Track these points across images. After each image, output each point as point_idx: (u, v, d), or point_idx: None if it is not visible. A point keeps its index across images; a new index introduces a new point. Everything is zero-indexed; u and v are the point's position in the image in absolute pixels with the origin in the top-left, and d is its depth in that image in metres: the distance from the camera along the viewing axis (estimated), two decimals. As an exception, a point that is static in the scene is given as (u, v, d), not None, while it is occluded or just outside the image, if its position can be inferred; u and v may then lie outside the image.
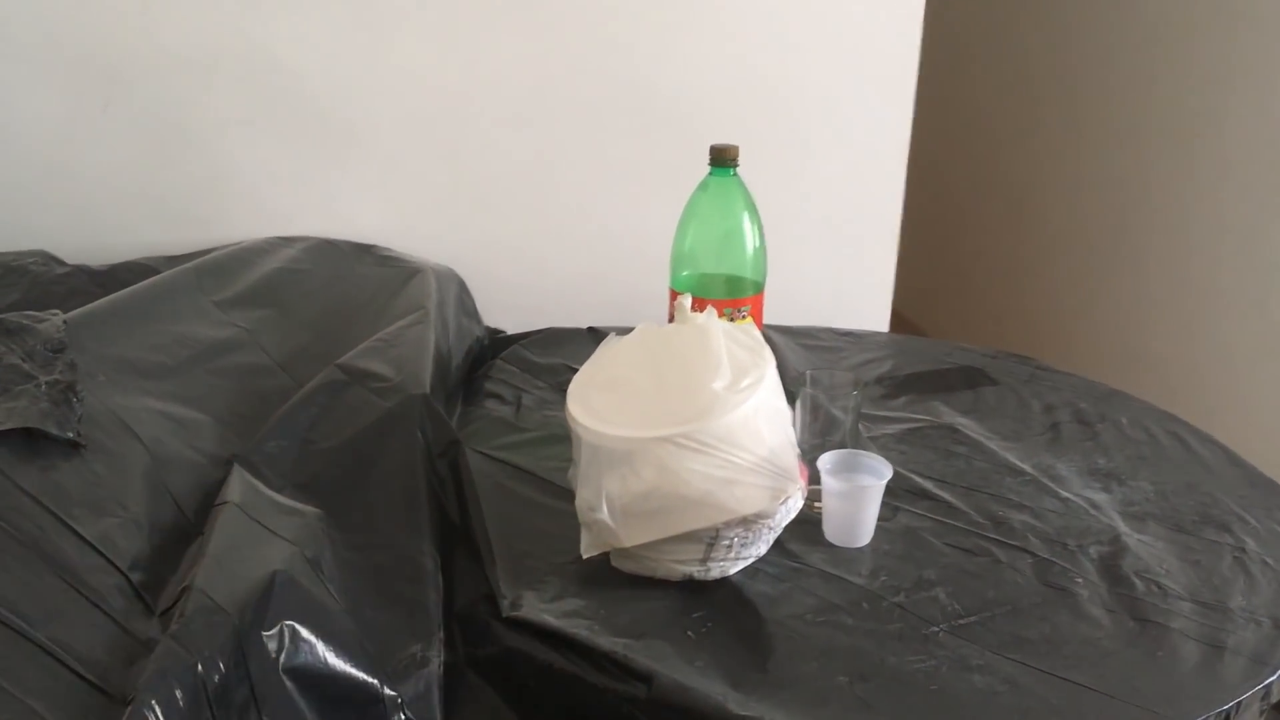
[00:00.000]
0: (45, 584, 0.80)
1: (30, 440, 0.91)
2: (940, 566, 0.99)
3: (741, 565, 0.97)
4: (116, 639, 0.79)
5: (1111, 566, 1.00)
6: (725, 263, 1.22)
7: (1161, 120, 2.28)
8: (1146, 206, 2.34)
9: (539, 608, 0.91)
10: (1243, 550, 1.03)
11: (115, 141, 1.51)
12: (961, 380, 1.41)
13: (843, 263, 1.79)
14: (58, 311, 1.13)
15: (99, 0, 1.44)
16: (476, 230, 1.66)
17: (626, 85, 1.63)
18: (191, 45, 1.49)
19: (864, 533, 1.02)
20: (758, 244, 1.20)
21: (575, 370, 1.02)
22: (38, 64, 1.46)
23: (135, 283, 1.31)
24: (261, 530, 0.92)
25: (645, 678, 0.83)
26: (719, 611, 0.93)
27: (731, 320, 1.15)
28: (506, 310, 1.63)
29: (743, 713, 0.79)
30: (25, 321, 1.08)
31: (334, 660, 0.82)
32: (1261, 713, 0.87)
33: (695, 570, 0.95)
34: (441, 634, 0.92)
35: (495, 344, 1.53)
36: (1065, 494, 1.12)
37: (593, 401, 0.96)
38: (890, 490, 1.03)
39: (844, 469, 1.02)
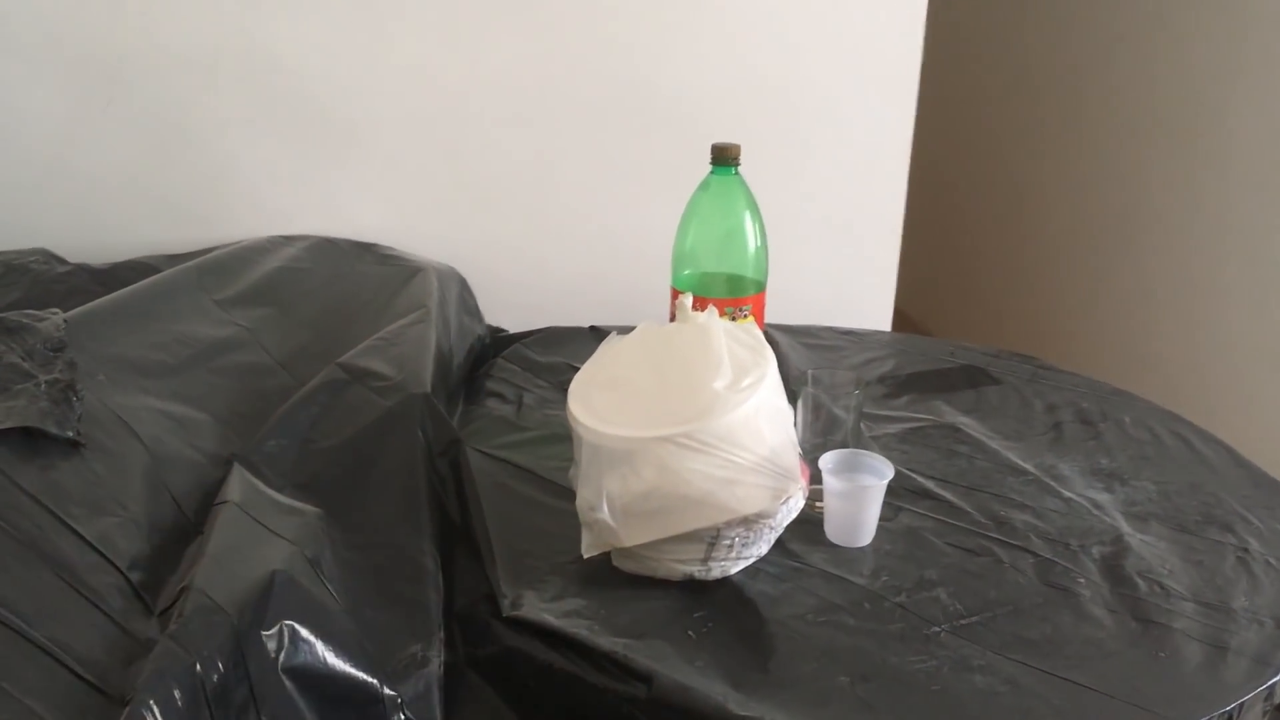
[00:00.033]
0: (44, 583, 0.80)
1: (29, 439, 0.91)
2: (942, 566, 0.99)
3: (742, 565, 0.96)
4: (115, 639, 0.79)
5: (1114, 567, 0.99)
6: (727, 262, 1.21)
7: (1164, 118, 2.28)
8: (1149, 205, 2.33)
9: (539, 607, 0.91)
10: (1246, 551, 1.02)
11: (116, 140, 1.51)
12: (964, 379, 1.41)
13: (844, 262, 1.79)
14: (57, 310, 1.13)
15: (100, -1, 1.45)
16: (478, 229, 1.65)
17: (628, 84, 1.62)
18: (193, 44, 1.49)
19: (865, 533, 1.02)
20: (759, 243, 1.20)
21: (577, 369, 1.01)
22: (39, 63, 1.46)
23: (136, 281, 1.31)
24: (261, 530, 0.91)
25: (645, 678, 0.82)
26: (720, 611, 0.92)
27: (733, 319, 1.15)
28: (508, 309, 1.63)
29: (743, 713, 0.79)
30: (25, 320, 1.08)
31: (333, 660, 0.82)
32: (1264, 714, 0.87)
33: (696, 570, 0.94)
34: (441, 634, 0.92)
35: (497, 343, 1.53)
36: (1068, 494, 1.12)
37: (593, 401, 0.96)
38: (892, 490, 1.03)
39: (845, 468, 1.02)
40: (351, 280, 1.47)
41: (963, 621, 0.91)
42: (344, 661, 0.82)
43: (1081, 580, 0.97)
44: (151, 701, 0.69)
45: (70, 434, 0.93)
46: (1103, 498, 1.12)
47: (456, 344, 1.39)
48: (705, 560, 0.94)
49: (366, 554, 0.97)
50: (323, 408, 1.13)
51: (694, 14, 1.61)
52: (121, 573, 0.85)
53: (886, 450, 1.17)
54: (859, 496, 1.00)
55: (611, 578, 0.96)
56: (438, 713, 0.86)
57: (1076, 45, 2.55)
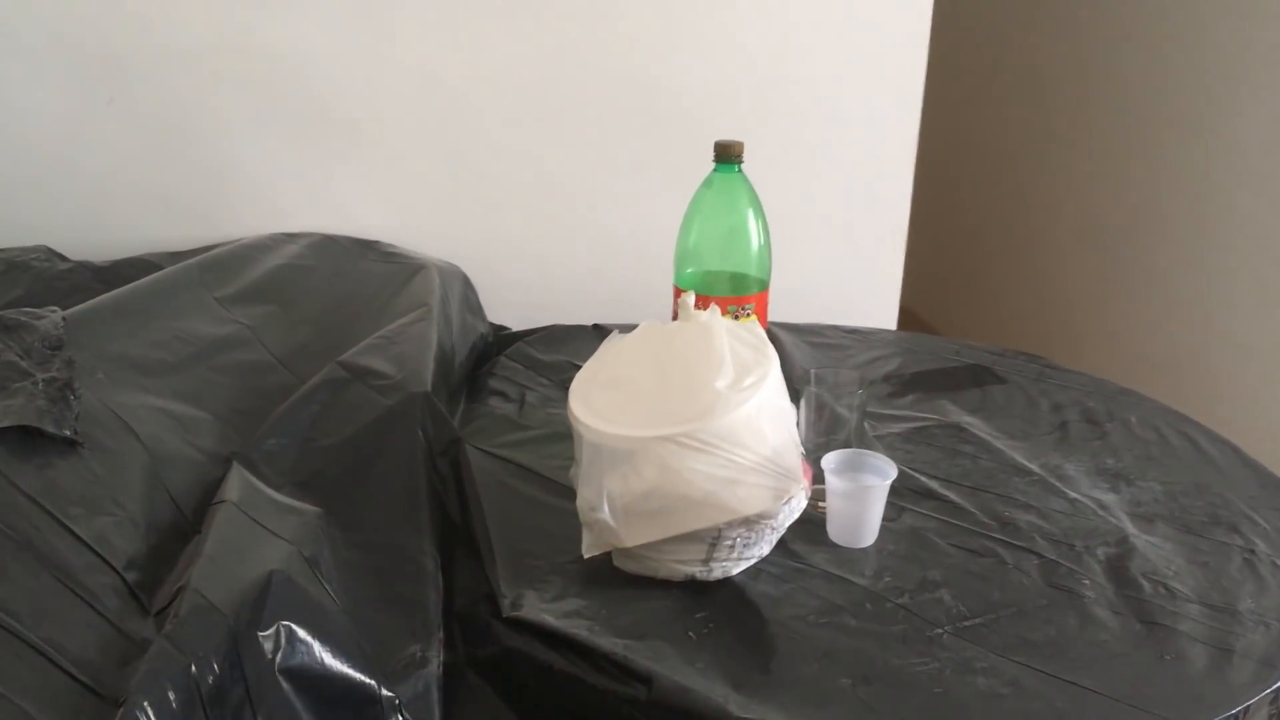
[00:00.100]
0: (39, 583, 0.79)
1: (26, 438, 0.91)
2: (945, 567, 0.98)
3: (744, 565, 0.96)
4: (110, 639, 0.78)
5: (1119, 568, 0.98)
6: (730, 260, 1.21)
7: (1172, 117, 2.26)
8: (1157, 204, 2.32)
9: (539, 607, 0.91)
10: (1252, 552, 1.01)
11: (118, 137, 1.51)
12: (969, 379, 1.40)
13: (849, 260, 1.78)
14: (56, 308, 1.13)
15: (102, -4, 1.45)
16: (480, 227, 1.65)
17: (631, 82, 1.62)
18: (194, 42, 1.49)
19: (868, 533, 1.01)
20: (762, 241, 1.19)
21: (579, 367, 1.01)
22: (41, 60, 1.46)
23: (138, 279, 1.31)
24: (259, 529, 0.91)
25: (646, 679, 0.82)
26: (721, 612, 0.92)
27: (735, 318, 1.14)
28: (510, 307, 1.63)
29: (744, 715, 0.78)
30: (23, 318, 1.07)
31: (331, 661, 0.81)
32: (1270, 717, 0.86)
33: (697, 570, 0.94)
34: (441, 634, 0.91)
35: (499, 341, 1.52)
36: (1073, 494, 1.11)
37: (594, 400, 0.95)
38: (895, 490, 1.02)
39: (848, 468, 1.01)
40: (353, 278, 1.46)
41: (966, 623, 0.90)
42: (341, 662, 0.82)
43: (1086, 582, 0.96)
44: (146, 703, 0.69)
45: (67, 433, 0.93)
46: (1108, 498, 1.11)
47: (459, 342, 1.38)
48: (706, 561, 0.93)
49: (366, 553, 0.96)
50: (323, 406, 1.12)
51: (699, 11, 1.60)
52: (117, 572, 0.85)
53: (890, 450, 1.17)
54: (862, 497, 1.00)
55: (612, 578, 0.95)
56: (436, 713, 0.85)
57: (1085, 44, 2.54)
